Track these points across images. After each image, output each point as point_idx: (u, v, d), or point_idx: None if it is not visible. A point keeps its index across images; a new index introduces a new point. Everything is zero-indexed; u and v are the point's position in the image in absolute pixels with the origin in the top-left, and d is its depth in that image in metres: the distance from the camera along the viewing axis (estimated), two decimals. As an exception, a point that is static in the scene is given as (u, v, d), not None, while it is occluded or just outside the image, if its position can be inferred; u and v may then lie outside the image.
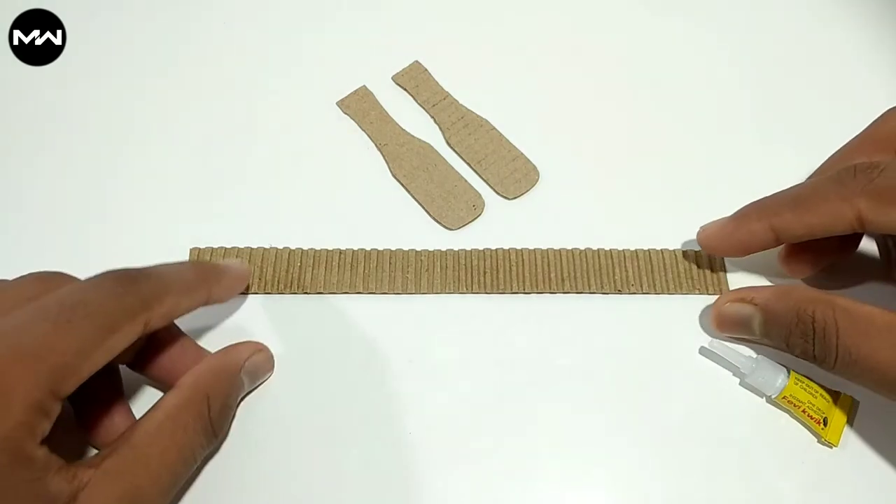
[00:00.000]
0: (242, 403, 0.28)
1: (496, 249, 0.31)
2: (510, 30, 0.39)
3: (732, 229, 0.28)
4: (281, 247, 0.31)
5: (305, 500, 0.26)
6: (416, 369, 0.29)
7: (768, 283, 0.30)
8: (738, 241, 0.28)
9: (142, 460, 0.22)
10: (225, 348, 0.27)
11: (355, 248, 0.31)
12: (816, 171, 0.30)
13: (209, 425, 0.24)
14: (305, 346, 0.29)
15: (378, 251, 0.31)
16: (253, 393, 0.28)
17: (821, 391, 0.27)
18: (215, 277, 0.27)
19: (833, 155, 0.29)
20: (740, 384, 0.28)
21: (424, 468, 0.27)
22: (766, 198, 0.28)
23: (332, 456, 0.27)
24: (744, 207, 0.28)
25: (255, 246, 0.31)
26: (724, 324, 0.28)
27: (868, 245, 0.31)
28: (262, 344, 0.28)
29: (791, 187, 0.27)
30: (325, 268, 0.31)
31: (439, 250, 0.31)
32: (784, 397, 0.26)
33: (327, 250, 0.31)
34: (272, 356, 0.29)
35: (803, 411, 0.26)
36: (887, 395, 0.23)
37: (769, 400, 0.27)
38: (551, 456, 0.27)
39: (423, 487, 0.26)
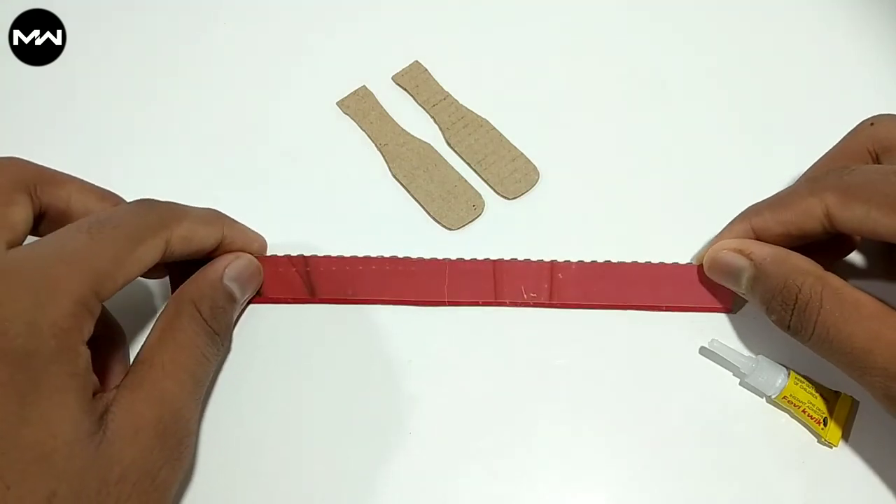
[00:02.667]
0: (242, 402, 0.28)
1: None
2: (510, 30, 0.39)
3: (720, 236, 0.29)
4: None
5: (304, 500, 0.26)
6: (415, 369, 0.29)
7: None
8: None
9: (157, 367, 0.23)
10: (207, 264, 0.28)
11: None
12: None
13: (205, 325, 0.26)
14: (305, 345, 0.29)
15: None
16: (252, 392, 0.28)
17: (821, 391, 0.27)
18: (228, 220, 0.29)
19: (810, 168, 0.29)
20: (740, 384, 0.28)
21: (424, 468, 0.27)
22: (751, 205, 0.28)
23: (331, 456, 0.27)
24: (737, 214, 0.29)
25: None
26: (714, 269, 0.28)
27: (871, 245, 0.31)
28: (241, 252, 0.29)
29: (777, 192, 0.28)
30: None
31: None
32: (784, 397, 0.26)
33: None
34: (254, 260, 0.29)
35: (803, 411, 0.26)
36: (855, 377, 0.24)
37: (769, 400, 0.27)
38: (551, 456, 0.27)
39: (423, 487, 0.26)
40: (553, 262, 0.30)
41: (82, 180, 0.27)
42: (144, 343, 0.25)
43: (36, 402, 0.19)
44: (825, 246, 0.27)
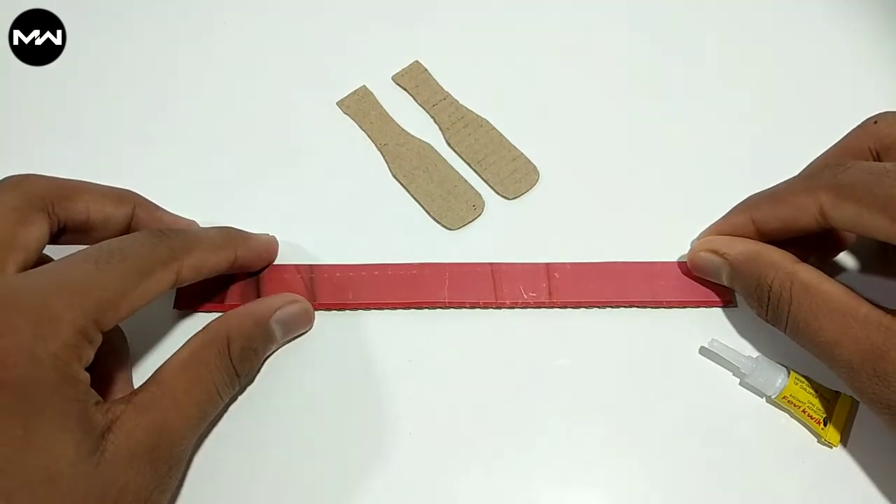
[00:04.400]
0: (243, 402, 0.28)
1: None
2: (510, 30, 0.39)
3: (719, 225, 0.29)
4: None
5: (304, 500, 0.26)
6: (415, 369, 0.29)
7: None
8: (722, 234, 0.29)
9: (168, 394, 0.23)
10: (260, 298, 0.28)
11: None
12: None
13: (230, 364, 0.25)
14: (304, 345, 0.29)
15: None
16: (252, 393, 0.28)
17: (821, 391, 0.27)
18: (242, 240, 0.29)
19: (811, 162, 0.29)
20: (740, 384, 0.28)
21: (424, 468, 0.27)
22: (753, 194, 0.28)
23: (331, 455, 0.27)
24: (735, 205, 0.29)
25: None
26: (697, 269, 0.29)
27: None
28: (298, 296, 0.29)
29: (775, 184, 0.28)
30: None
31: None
32: (784, 397, 0.26)
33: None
34: (309, 308, 0.29)
35: (803, 411, 0.26)
36: (830, 367, 0.24)
37: (769, 400, 0.27)
38: (551, 456, 0.27)
39: (423, 487, 0.26)
40: (548, 264, 0.30)
41: (98, 186, 0.27)
42: (167, 361, 0.24)
43: (39, 427, 0.20)
44: (822, 240, 0.28)
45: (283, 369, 0.29)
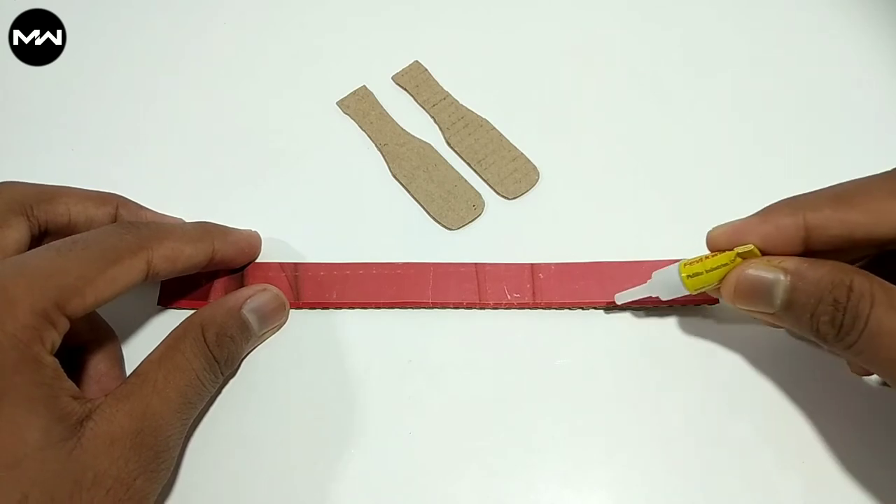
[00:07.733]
0: (245, 403, 0.28)
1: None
2: (510, 29, 0.39)
3: (756, 224, 0.24)
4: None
5: (304, 499, 0.26)
6: (415, 369, 0.29)
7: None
8: (761, 238, 0.23)
9: (149, 383, 0.23)
10: (233, 291, 0.29)
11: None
12: None
13: (207, 350, 0.25)
14: (305, 345, 0.29)
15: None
16: (252, 393, 0.28)
17: (714, 255, 0.24)
18: (220, 233, 0.28)
19: None
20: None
21: (424, 468, 0.27)
22: (802, 194, 0.23)
23: (331, 455, 0.27)
24: (772, 204, 0.24)
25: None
26: (741, 291, 0.24)
27: None
28: (269, 285, 0.29)
29: (834, 185, 0.23)
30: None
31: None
32: (689, 276, 0.25)
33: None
34: (280, 295, 0.29)
35: (715, 268, 0.24)
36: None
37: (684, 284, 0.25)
38: (550, 455, 0.27)
39: (423, 487, 0.26)
40: (532, 264, 0.30)
41: (78, 189, 0.27)
42: (146, 357, 0.25)
43: (1, 409, 0.20)
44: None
45: (281, 369, 0.29)
